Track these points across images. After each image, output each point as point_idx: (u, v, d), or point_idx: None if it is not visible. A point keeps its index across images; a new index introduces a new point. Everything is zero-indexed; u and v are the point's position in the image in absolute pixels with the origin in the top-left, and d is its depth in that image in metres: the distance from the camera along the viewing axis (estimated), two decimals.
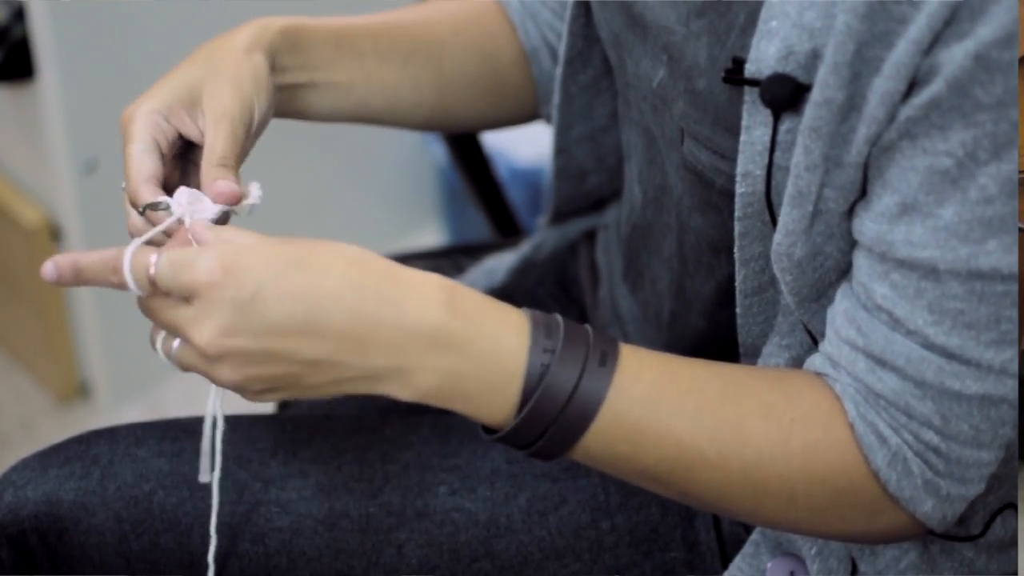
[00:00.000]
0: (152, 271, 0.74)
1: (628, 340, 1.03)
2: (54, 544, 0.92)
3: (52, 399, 1.88)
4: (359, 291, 0.74)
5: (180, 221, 0.80)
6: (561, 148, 1.05)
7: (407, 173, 2.03)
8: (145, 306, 0.77)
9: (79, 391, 1.88)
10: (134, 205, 0.82)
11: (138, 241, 0.77)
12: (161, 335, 0.77)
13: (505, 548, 0.93)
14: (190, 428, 0.95)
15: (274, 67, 0.91)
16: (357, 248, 0.76)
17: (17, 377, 1.92)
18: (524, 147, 1.84)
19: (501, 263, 1.16)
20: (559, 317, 0.79)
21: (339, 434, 0.96)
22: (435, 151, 1.97)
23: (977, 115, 0.70)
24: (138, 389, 1.81)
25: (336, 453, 0.95)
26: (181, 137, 0.86)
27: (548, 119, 1.06)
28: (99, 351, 1.80)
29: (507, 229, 1.42)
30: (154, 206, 0.80)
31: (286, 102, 0.94)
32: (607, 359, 0.77)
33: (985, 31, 0.68)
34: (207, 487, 0.92)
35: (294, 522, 0.92)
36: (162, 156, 0.84)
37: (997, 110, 0.69)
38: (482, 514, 0.93)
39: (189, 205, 0.80)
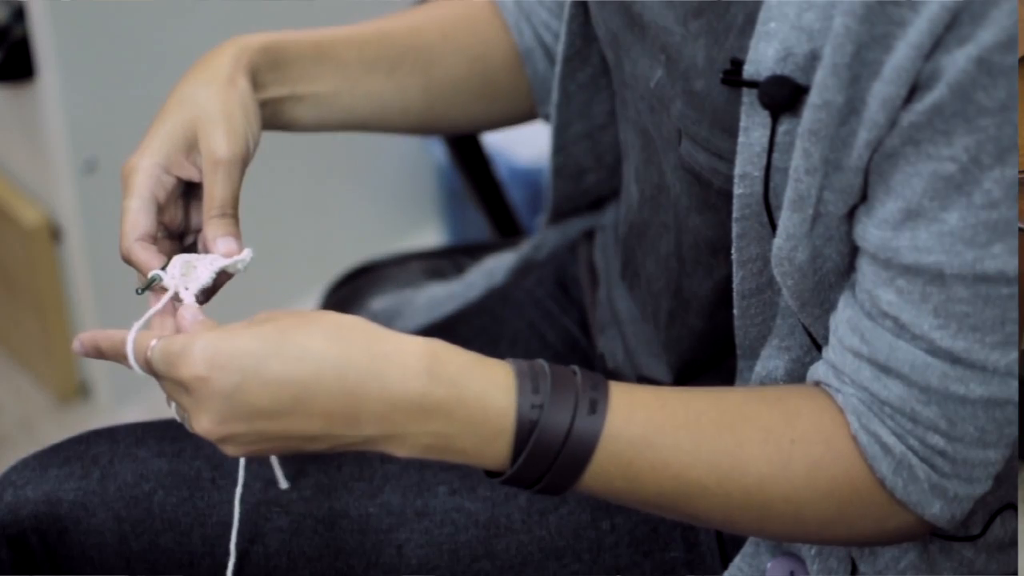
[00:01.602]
0: (150, 349, 0.78)
1: (626, 341, 1.03)
2: (54, 544, 0.92)
3: (52, 399, 1.88)
4: (339, 370, 0.76)
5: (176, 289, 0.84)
6: (559, 146, 1.05)
7: (407, 173, 2.03)
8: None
9: (79, 391, 1.88)
10: (127, 261, 0.85)
11: (137, 326, 0.80)
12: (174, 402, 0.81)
13: (505, 548, 0.93)
14: None
15: (256, 84, 0.91)
16: (336, 318, 0.78)
17: (17, 377, 1.92)
18: (524, 147, 1.84)
19: (501, 263, 1.16)
20: (546, 367, 0.79)
21: None
22: (435, 151, 1.97)
23: (980, 120, 0.70)
24: (138, 389, 1.81)
25: (336, 453, 0.95)
26: (181, 180, 0.88)
27: (547, 118, 1.06)
28: None
29: (507, 229, 1.42)
30: (150, 282, 0.83)
31: (271, 116, 0.94)
32: (597, 406, 0.78)
33: (986, 35, 0.68)
34: (207, 487, 0.92)
35: (294, 522, 0.92)
36: (160, 208, 0.87)
37: (1000, 114, 0.69)
38: (482, 514, 0.93)
39: (183, 277, 0.83)
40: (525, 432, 0.77)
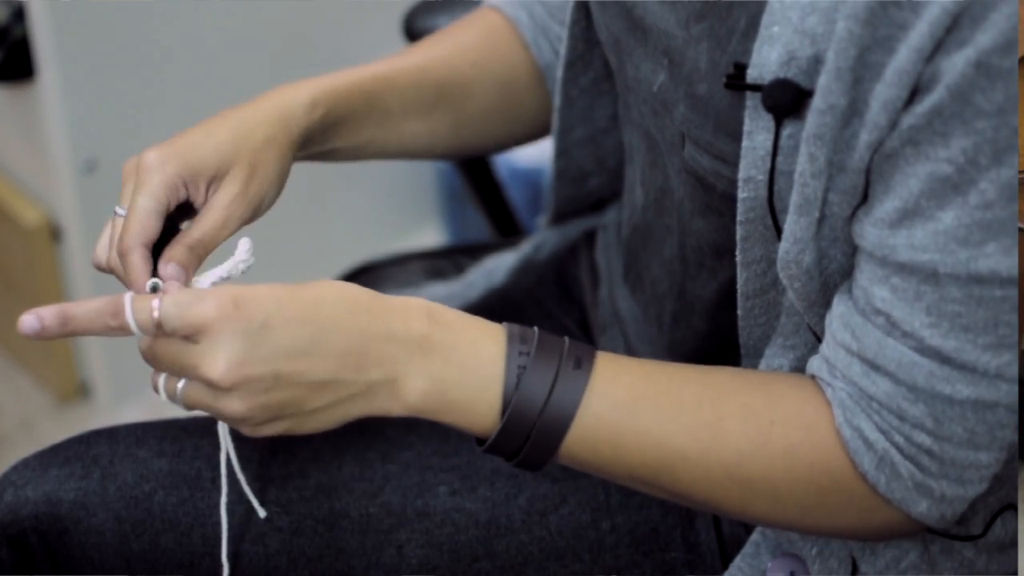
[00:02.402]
0: (156, 314, 0.76)
1: (629, 341, 1.03)
2: (54, 544, 0.92)
3: (52, 399, 1.88)
4: (352, 312, 0.78)
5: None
6: (562, 150, 1.05)
7: (407, 173, 2.03)
8: (148, 351, 0.78)
9: (79, 391, 1.88)
10: (121, 257, 0.83)
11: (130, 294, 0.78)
12: (163, 377, 0.78)
13: (505, 548, 0.93)
14: (190, 428, 0.95)
15: (306, 141, 0.92)
16: (339, 282, 0.80)
17: (17, 377, 1.92)
18: (524, 147, 1.84)
19: (501, 263, 1.16)
20: (535, 328, 0.82)
21: (339, 434, 0.96)
22: None
23: (978, 122, 0.70)
24: (138, 389, 1.81)
25: (336, 453, 0.95)
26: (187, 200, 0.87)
27: None
28: (99, 351, 1.80)
29: (507, 229, 1.42)
30: (151, 289, 0.82)
31: (307, 156, 0.94)
32: (582, 363, 0.80)
33: (985, 38, 0.69)
34: (207, 488, 0.93)
35: (294, 522, 0.93)
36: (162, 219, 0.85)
37: (998, 116, 0.70)
38: (482, 514, 0.93)
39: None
40: (513, 380, 0.79)
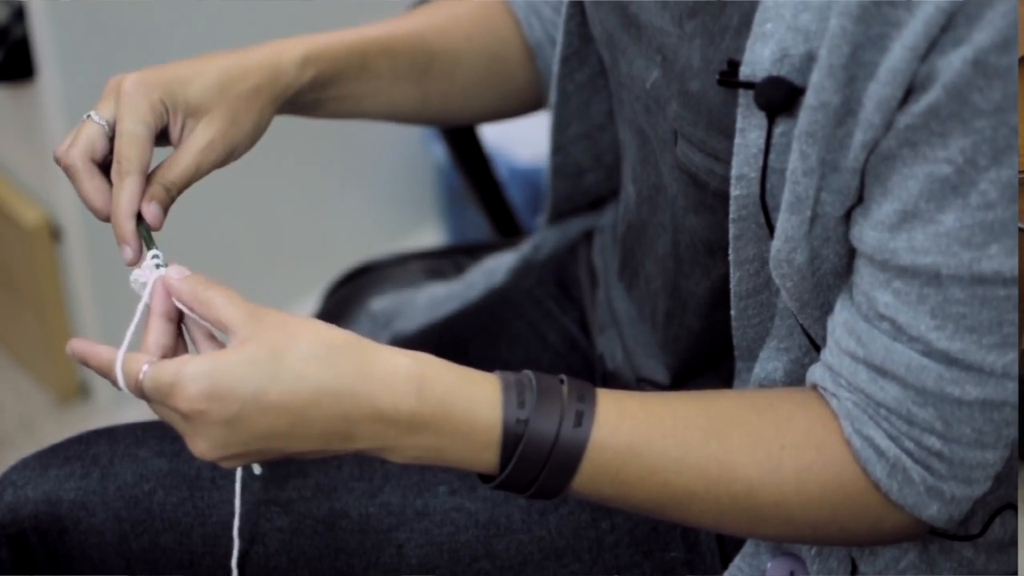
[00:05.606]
0: (140, 377, 0.78)
1: (625, 343, 1.03)
2: (54, 544, 0.92)
3: (52, 399, 1.88)
4: (334, 396, 0.77)
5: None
6: (558, 146, 1.05)
7: (407, 173, 2.03)
8: (150, 406, 0.80)
9: (79, 391, 1.88)
10: (119, 178, 0.84)
11: (123, 349, 0.79)
12: None
13: (505, 548, 0.93)
14: None
15: (292, 99, 0.93)
16: (325, 336, 0.78)
17: (17, 377, 1.92)
18: (524, 147, 1.84)
19: (501, 263, 1.16)
20: (533, 379, 0.80)
21: None
22: (435, 151, 1.97)
23: (976, 121, 0.70)
24: None
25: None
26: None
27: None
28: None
29: (507, 229, 1.42)
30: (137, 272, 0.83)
31: (290, 109, 0.95)
32: (583, 418, 0.79)
33: (982, 37, 0.68)
34: (207, 487, 0.92)
35: (294, 522, 0.92)
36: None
37: (996, 116, 0.69)
38: (482, 514, 0.93)
39: (156, 268, 0.82)
40: (511, 446, 0.78)
